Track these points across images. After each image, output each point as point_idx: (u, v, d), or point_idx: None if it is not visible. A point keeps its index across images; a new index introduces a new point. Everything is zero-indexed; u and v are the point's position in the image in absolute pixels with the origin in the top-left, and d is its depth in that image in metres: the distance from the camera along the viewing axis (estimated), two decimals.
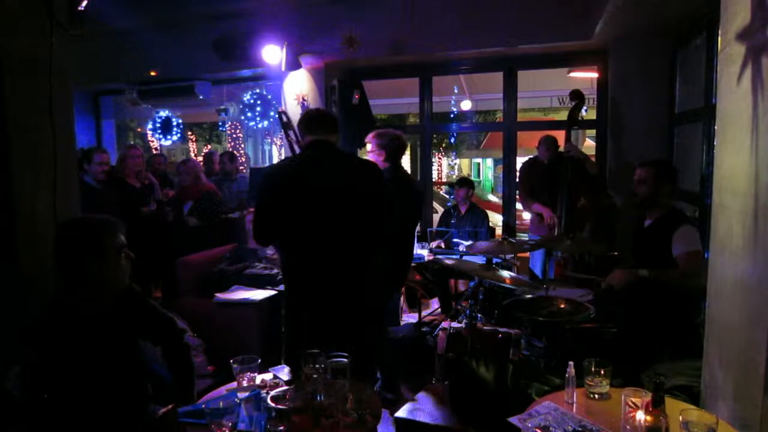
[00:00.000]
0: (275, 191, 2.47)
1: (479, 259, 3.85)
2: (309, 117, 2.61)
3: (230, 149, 10.24)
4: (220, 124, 10.81)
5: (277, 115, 4.98)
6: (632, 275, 2.95)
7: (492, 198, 7.37)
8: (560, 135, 4.71)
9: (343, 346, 2.00)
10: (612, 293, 3.03)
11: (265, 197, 2.52)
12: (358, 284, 2.47)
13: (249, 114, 6.64)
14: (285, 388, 1.92)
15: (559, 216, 4.30)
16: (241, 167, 8.05)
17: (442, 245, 4.80)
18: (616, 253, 4.06)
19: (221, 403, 1.79)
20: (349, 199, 2.43)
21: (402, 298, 4.82)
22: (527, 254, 4.77)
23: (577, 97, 4.37)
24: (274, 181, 2.53)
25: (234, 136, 10.56)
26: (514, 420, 1.78)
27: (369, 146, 3.44)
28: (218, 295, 3.92)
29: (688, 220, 3.01)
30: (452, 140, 14.65)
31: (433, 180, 8.65)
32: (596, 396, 1.92)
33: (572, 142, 4.50)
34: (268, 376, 2.14)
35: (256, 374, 2.03)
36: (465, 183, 5.49)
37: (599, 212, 4.42)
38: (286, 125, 4.05)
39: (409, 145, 9.30)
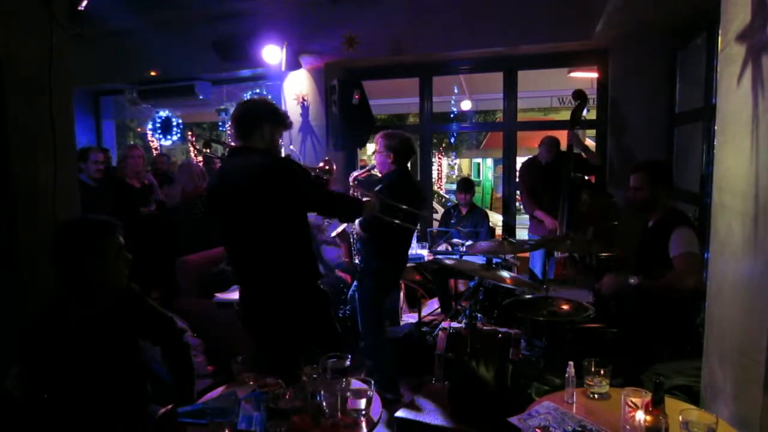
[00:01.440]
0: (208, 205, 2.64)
1: (479, 259, 3.85)
2: (232, 121, 2.52)
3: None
4: (220, 124, 10.80)
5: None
6: (621, 282, 2.90)
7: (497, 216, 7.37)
8: (560, 135, 4.71)
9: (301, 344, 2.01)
10: (605, 298, 3.02)
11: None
12: (282, 282, 2.42)
13: None
14: (285, 388, 1.92)
15: (561, 219, 4.30)
16: None
17: (449, 247, 4.79)
18: (616, 254, 4.06)
19: (221, 403, 1.79)
20: (251, 203, 2.37)
21: (402, 298, 4.83)
22: (527, 254, 4.77)
23: (580, 97, 4.37)
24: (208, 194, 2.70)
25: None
26: (514, 420, 1.78)
27: (377, 146, 3.39)
28: (218, 295, 3.92)
29: (686, 221, 2.99)
30: (452, 140, 14.64)
31: (433, 180, 8.66)
32: (596, 396, 1.92)
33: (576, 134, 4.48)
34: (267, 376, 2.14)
35: (256, 374, 2.03)
36: (466, 188, 5.49)
37: (600, 212, 4.42)
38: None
39: None
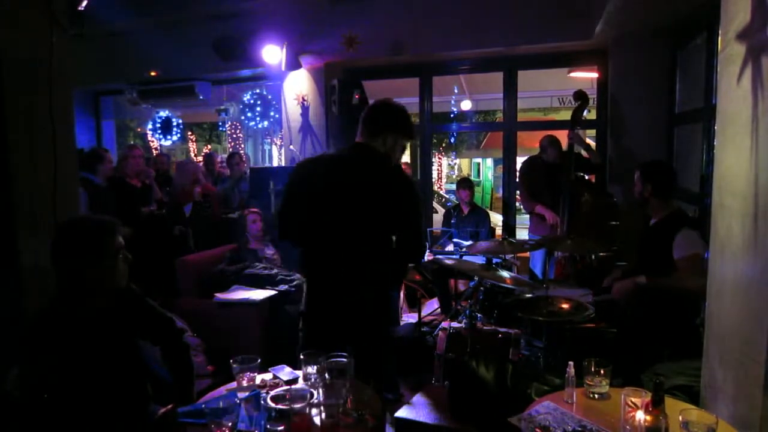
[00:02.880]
0: (301, 183, 2.42)
1: (479, 259, 3.85)
2: (361, 118, 2.46)
3: (230, 149, 10.25)
4: (220, 124, 10.82)
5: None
6: (631, 284, 2.92)
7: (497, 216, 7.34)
8: (560, 135, 4.71)
9: (354, 346, 1.99)
10: (614, 303, 3.02)
11: (292, 188, 2.45)
12: (368, 286, 2.39)
13: (249, 114, 6.65)
14: (285, 388, 1.92)
15: (561, 218, 4.30)
16: None
17: (451, 248, 4.79)
18: (615, 253, 4.07)
19: (221, 403, 1.79)
20: (366, 203, 2.33)
21: (402, 298, 4.83)
22: (527, 254, 4.77)
23: (580, 97, 4.37)
24: (301, 172, 2.46)
25: (234, 136, 10.57)
26: (514, 420, 1.78)
27: None
28: (218, 295, 3.92)
29: (690, 222, 3.00)
30: (452, 140, 14.65)
31: (433, 180, 8.66)
32: (596, 396, 1.91)
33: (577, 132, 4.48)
34: (268, 376, 2.14)
35: (256, 374, 2.02)
36: (467, 184, 5.49)
37: (601, 212, 4.42)
38: None
39: (409, 145, 9.29)
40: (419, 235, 2.45)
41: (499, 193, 8.31)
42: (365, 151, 2.39)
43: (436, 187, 11.56)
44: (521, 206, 5.18)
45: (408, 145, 2.62)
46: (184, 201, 5.29)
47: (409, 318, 4.72)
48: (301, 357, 2.03)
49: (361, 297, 2.37)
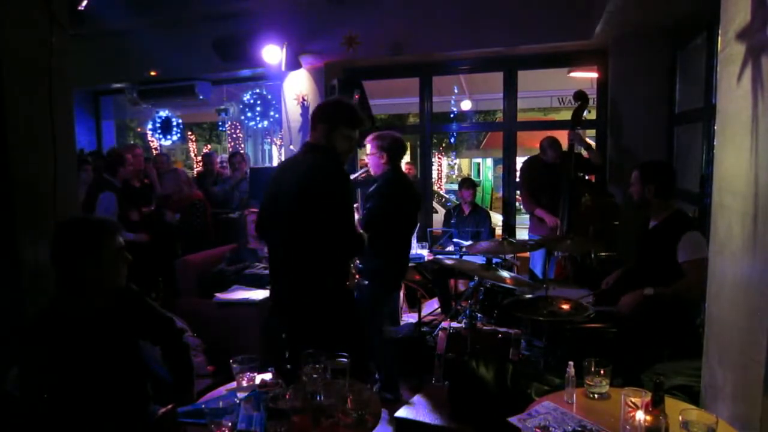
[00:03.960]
0: (265, 186, 2.60)
1: (479, 259, 3.85)
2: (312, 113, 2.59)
3: (230, 149, 10.24)
4: (220, 124, 10.81)
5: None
6: (639, 298, 2.89)
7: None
8: (559, 135, 4.71)
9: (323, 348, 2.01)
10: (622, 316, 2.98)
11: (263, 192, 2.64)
12: (312, 284, 2.44)
13: (249, 114, 6.65)
14: (285, 388, 1.92)
15: (562, 218, 4.30)
16: None
17: (452, 248, 4.79)
18: (615, 254, 4.07)
19: (221, 403, 1.79)
20: (300, 203, 2.40)
21: (402, 298, 4.83)
22: (527, 254, 4.77)
23: (581, 97, 4.37)
24: (270, 176, 2.64)
25: (234, 136, 10.56)
26: (514, 420, 1.78)
27: (368, 148, 3.43)
28: (218, 295, 3.92)
29: (693, 224, 2.98)
30: (452, 140, 14.65)
31: (433, 180, 8.65)
32: (596, 396, 1.92)
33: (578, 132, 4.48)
34: (268, 376, 2.14)
35: (256, 374, 2.02)
36: (469, 184, 5.48)
37: (601, 212, 4.42)
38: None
39: (409, 145, 9.31)
40: (352, 227, 2.49)
41: (499, 193, 8.31)
42: (307, 148, 2.50)
43: (436, 187, 11.56)
44: (521, 206, 5.18)
45: (358, 137, 2.66)
46: (173, 209, 5.25)
47: (409, 318, 4.72)
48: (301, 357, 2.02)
49: (307, 295, 2.43)
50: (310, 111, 2.77)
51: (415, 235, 4.33)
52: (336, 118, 2.49)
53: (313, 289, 2.44)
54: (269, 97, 6.53)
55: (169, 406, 1.81)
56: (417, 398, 2.79)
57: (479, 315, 3.46)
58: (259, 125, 6.88)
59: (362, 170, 3.76)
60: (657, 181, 3.00)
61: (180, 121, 8.10)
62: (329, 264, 2.47)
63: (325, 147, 2.46)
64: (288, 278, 2.48)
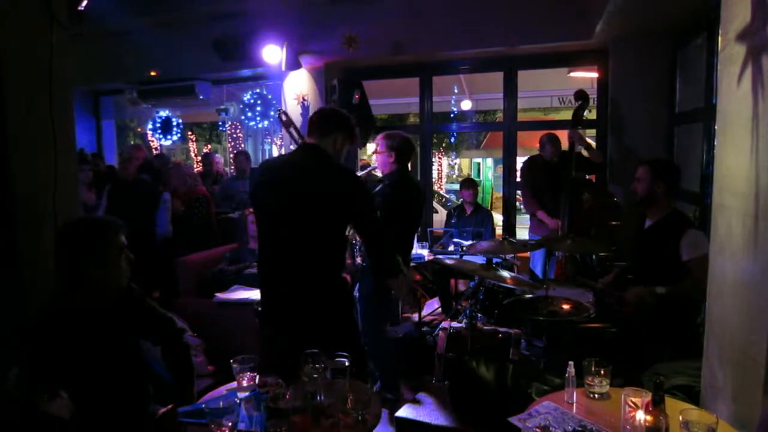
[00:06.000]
0: (253, 185, 2.60)
1: (479, 259, 3.84)
2: (310, 120, 2.59)
3: (230, 149, 10.24)
4: (220, 124, 10.82)
5: (276, 115, 5.03)
6: (649, 296, 2.88)
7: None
8: (560, 135, 4.71)
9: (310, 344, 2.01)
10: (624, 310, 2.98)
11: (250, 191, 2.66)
12: (315, 282, 2.43)
13: (249, 114, 6.65)
14: (285, 388, 1.92)
15: (562, 218, 4.30)
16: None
17: (452, 248, 4.79)
18: (616, 253, 4.06)
19: (221, 403, 1.79)
20: (306, 205, 2.37)
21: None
22: (527, 254, 4.77)
23: (581, 97, 4.37)
24: (255, 174, 2.68)
25: (234, 136, 10.56)
26: (514, 420, 1.78)
27: (378, 147, 3.41)
28: (218, 295, 3.92)
29: (692, 223, 2.98)
30: (452, 140, 14.65)
31: (433, 180, 8.65)
32: (596, 396, 1.92)
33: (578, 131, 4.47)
34: (267, 376, 2.14)
35: (256, 374, 2.02)
36: (471, 184, 5.48)
37: (601, 212, 4.42)
38: (287, 123, 4.09)
39: None
40: (373, 223, 2.50)
41: (499, 193, 8.31)
42: (314, 150, 2.48)
43: (436, 187, 11.55)
44: (522, 206, 5.17)
45: (353, 149, 2.71)
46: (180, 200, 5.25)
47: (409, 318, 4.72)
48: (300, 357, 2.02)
49: (308, 294, 2.41)
50: (310, 112, 2.77)
51: (415, 235, 4.33)
52: (351, 129, 2.55)
53: (313, 289, 2.43)
54: (269, 96, 6.53)
55: (170, 406, 1.81)
56: (417, 398, 2.79)
57: (479, 315, 3.46)
58: (259, 125, 6.88)
59: (363, 169, 3.76)
60: (668, 179, 3.00)
61: (180, 121, 8.10)
62: (330, 264, 2.46)
63: (326, 151, 2.47)
64: (288, 279, 2.45)
